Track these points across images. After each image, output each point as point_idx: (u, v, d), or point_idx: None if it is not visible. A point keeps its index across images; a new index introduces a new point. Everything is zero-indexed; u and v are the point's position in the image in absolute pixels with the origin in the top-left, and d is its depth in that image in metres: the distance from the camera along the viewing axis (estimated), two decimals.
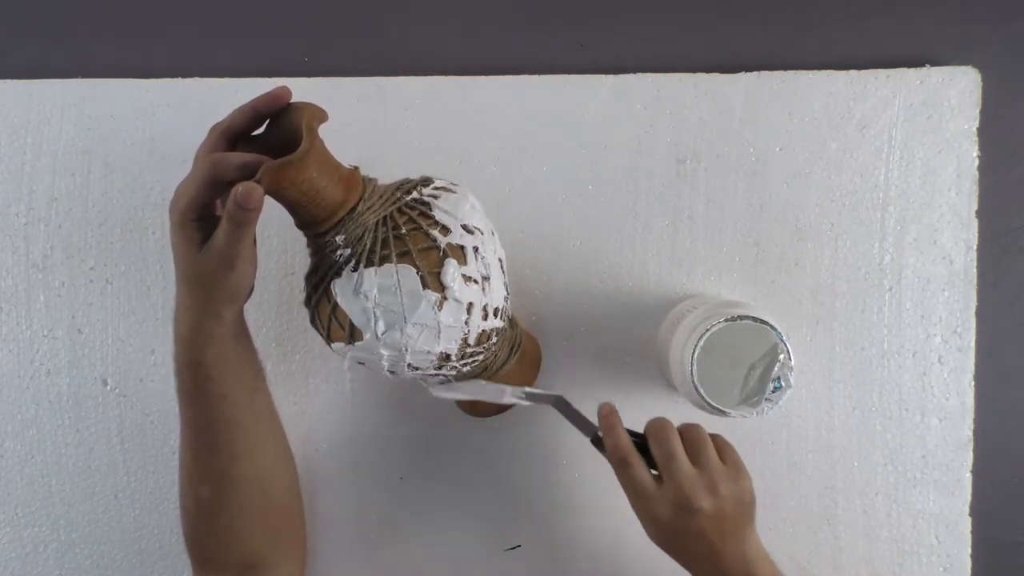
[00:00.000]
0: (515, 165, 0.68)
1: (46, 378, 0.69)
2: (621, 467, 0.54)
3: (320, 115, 0.47)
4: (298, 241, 0.68)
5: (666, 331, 0.63)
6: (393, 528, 0.68)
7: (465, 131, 0.68)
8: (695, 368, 0.54)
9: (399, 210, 0.49)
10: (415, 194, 0.50)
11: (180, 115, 0.69)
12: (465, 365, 0.52)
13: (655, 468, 0.54)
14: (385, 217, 0.49)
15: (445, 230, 0.49)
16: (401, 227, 0.49)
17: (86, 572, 0.69)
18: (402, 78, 0.68)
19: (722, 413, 0.54)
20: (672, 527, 0.53)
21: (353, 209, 0.48)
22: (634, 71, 0.67)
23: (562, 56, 0.68)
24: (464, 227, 0.50)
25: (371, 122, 0.68)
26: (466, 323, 0.50)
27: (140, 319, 0.69)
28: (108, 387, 0.69)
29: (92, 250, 0.69)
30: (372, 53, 0.69)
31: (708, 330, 0.53)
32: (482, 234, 0.51)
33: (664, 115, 0.67)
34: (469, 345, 0.51)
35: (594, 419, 0.57)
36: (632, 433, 0.55)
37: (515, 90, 0.68)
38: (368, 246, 0.48)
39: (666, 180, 0.67)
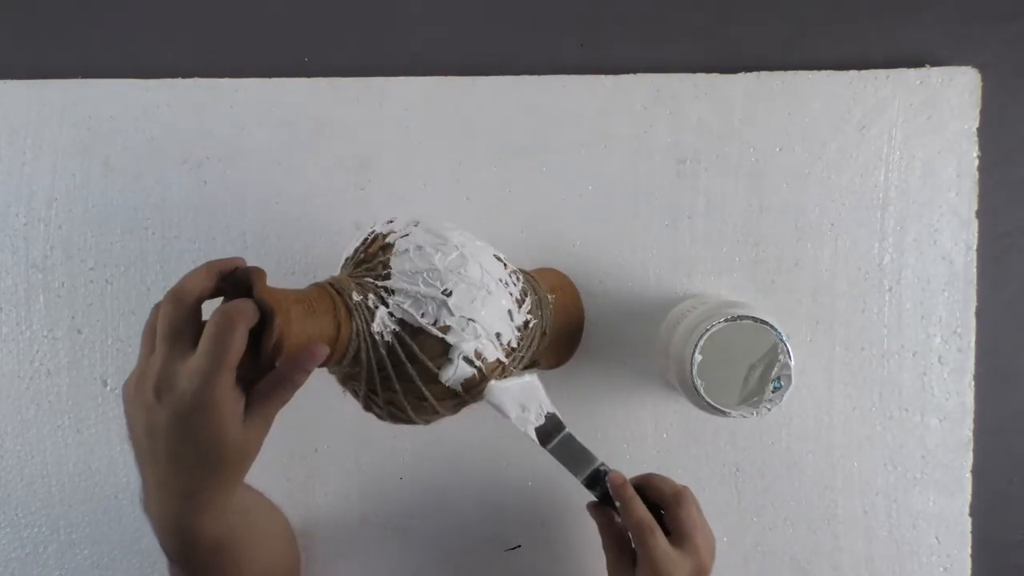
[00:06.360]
0: (515, 165, 0.68)
1: (46, 378, 0.69)
2: (647, 535, 0.53)
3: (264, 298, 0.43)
4: (297, 240, 0.68)
5: (666, 331, 0.63)
6: (393, 528, 0.68)
7: (465, 131, 0.68)
8: (695, 368, 0.54)
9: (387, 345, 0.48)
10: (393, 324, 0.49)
11: (180, 115, 0.69)
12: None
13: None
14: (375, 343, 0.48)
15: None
16: (390, 368, 0.48)
17: (86, 572, 0.69)
18: (402, 78, 0.68)
19: (722, 413, 0.54)
20: None
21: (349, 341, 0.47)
22: (634, 71, 0.67)
23: (562, 56, 0.68)
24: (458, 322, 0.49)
25: (371, 122, 0.68)
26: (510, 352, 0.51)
27: (140, 319, 0.69)
28: (108, 387, 0.69)
29: (92, 250, 0.69)
30: (372, 53, 0.69)
31: (708, 330, 0.53)
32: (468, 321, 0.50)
33: (664, 115, 0.67)
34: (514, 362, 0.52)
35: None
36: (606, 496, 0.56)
37: (515, 90, 0.68)
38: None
39: (666, 180, 0.67)
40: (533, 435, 0.53)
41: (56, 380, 0.69)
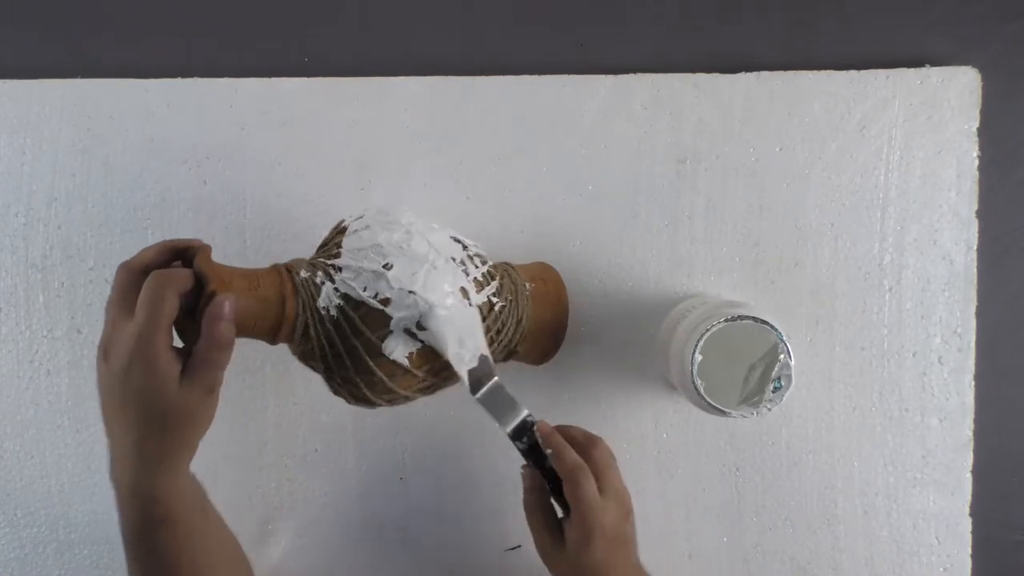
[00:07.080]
0: (515, 165, 0.68)
1: (46, 378, 0.69)
2: (580, 477, 0.54)
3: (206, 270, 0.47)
4: (297, 240, 0.68)
5: (666, 331, 0.63)
6: (393, 528, 0.68)
7: (465, 131, 0.68)
8: (695, 368, 0.54)
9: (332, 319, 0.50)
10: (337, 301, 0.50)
11: (180, 115, 0.69)
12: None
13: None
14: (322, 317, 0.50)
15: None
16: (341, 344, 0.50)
17: (86, 572, 0.69)
18: (402, 78, 0.68)
19: (722, 413, 0.54)
20: (617, 533, 0.54)
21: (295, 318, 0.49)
22: (634, 71, 0.67)
23: (562, 56, 0.68)
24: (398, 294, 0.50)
25: (371, 122, 0.68)
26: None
27: None
28: None
29: (92, 250, 0.69)
30: (372, 53, 0.69)
31: (708, 330, 0.53)
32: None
33: (664, 115, 0.67)
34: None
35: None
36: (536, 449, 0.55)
37: (515, 90, 0.68)
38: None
39: (666, 180, 0.67)
40: (466, 377, 0.52)
41: (56, 380, 0.69)
